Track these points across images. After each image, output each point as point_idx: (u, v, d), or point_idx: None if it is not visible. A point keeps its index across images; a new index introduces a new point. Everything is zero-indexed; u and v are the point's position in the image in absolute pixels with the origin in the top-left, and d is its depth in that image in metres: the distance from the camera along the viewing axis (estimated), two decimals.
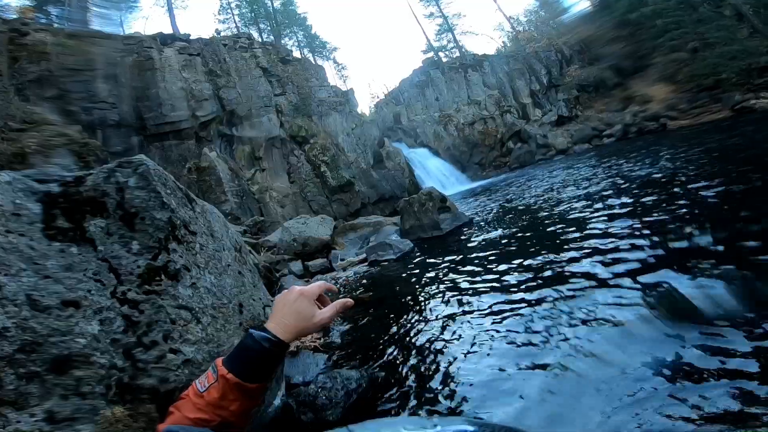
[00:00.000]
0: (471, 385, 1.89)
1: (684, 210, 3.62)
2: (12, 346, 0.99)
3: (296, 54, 28.55)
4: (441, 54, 37.99)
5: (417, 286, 4.01)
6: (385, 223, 9.72)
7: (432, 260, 4.98)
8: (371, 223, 9.94)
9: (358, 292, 4.59)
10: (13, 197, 1.14)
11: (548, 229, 4.53)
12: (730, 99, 16.38)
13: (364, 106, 47.42)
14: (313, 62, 28.51)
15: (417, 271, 4.76)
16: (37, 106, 12.79)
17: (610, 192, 5.62)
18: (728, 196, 3.82)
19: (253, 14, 31.70)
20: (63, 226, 1.19)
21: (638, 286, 2.36)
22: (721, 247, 2.55)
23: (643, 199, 4.48)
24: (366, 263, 6.33)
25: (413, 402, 1.92)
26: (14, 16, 15.54)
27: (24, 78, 13.43)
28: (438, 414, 1.75)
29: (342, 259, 7.36)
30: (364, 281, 5.11)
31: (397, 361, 2.38)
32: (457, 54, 36.81)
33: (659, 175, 5.82)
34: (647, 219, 3.65)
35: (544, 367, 1.85)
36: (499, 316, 2.55)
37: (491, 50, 40.60)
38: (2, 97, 11.58)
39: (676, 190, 4.57)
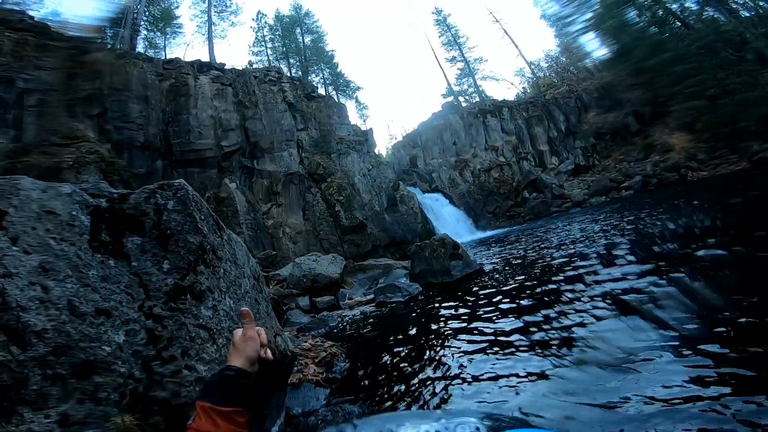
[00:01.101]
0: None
1: (695, 268, 3.58)
2: (46, 348, 1.06)
3: (321, 91, 29.65)
4: (461, 98, 38.76)
5: (422, 329, 3.99)
6: (395, 266, 9.74)
7: (439, 305, 4.96)
8: (381, 265, 9.97)
9: (363, 331, 4.57)
10: (71, 208, 1.25)
11: (558, 284, 4.50)
12: (748, 149, 16.16)
13: (381, 146, 48.12)
14: (336, 100, 29.56)
15: (423, 314, 4.74)
16: (81, 123, 13.35)
17: (623, 248, 5.57)
18: (738, 256, 3.78)
19: (285, 48, 33.13)
20: (105, 239, 1.30)
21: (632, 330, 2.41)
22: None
23: (654, 256, 4.44)
24: (373, 303, 6.32)
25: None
26: (77, 34, 16.33)
27: (76, 95, 14.07)
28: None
29: (350, 298, 7.36)
30: (371, 320, 5.10)
31: (400, 399, 2.37)
32: (477, 99, 37.45)
33: (672, 232, 5.79)
34: (654, 276, 3.61)
35: (541, 406, 1.86)
36: (502, 361, 2.56)
37: (511, 95, 41.13)
38: (53, 112, 12.15)
39: (687, 248, 4.52)
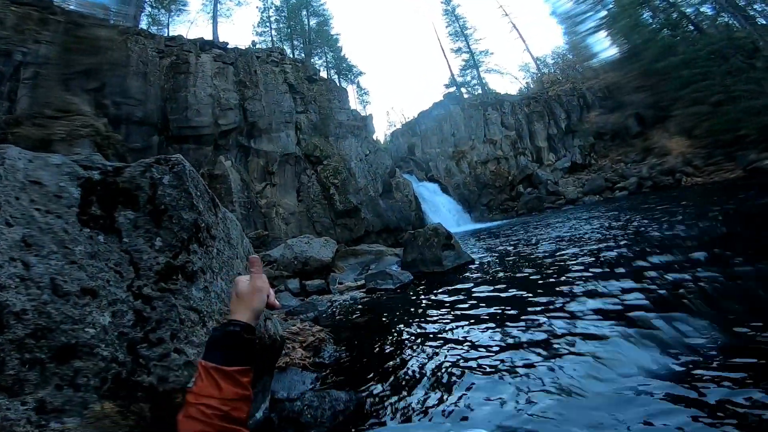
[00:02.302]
0: (456, 408, 1.87)
1: (677, 272, 3.59)
2: (25, 330, 0.99)
3: (323, 74, 29.26)
4: (463, 89, 38.40)
5: (411, 317, 3.98)
6: (387, 253, 9.72)
7: (430, 294, 4.95)
8: (373, 251, 9.94)
9: (353, 317, 4.56)
10: (58, 180, 1.17)
11: (547, 278, 4.50)
12: (744, 158, 16.15)
13: (380, 132, 47.88)
14: (337, 84, 29.19)
15: (413, 302, 4.73)
16: (76, 96, 13.18)
17: (611, 247, 5.58)
18: (720, 261, 3.79)
19: (289, 30, 32.64)
20: (96, 213, 1.21)
21: (624, 328, 2.43)
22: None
23: (640, 256, 4.44)
24: (364, 289, 6.30)
25: (400, 424, 1.89)
26: (78, 9, 16.05)
27: (73, 69, 13.82)
28: None
29: (340, 283, 7.33)
30: (360, 306, 5.08)
31: (387, 386, 2.35)
32: (480, 91, 37.17)
33: (659, 235, 5.79)
34: (641, 274, 3.63)
35: (530, 392, 1.87)
36: (491, 350, 2.56)
37: (514, 90, 40.91)
38: (47, 85, 12.03)
39: (672, 252, 4.53)
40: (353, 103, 31.55)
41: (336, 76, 34.56)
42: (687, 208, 8.70)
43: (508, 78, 61.59)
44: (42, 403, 1.01)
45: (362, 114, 27.67)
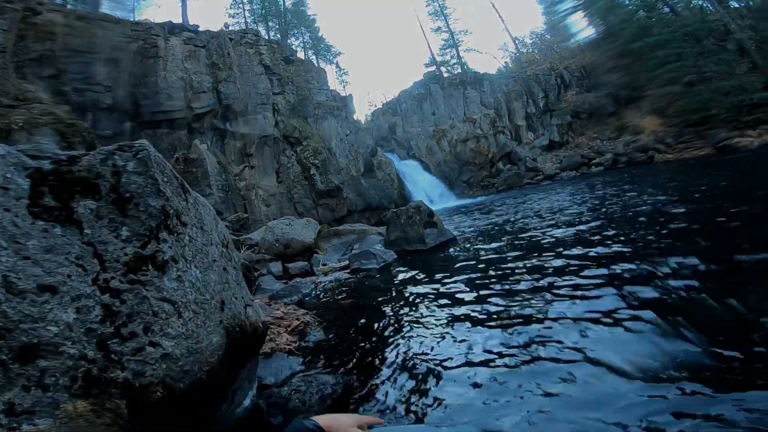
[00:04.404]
0: (447, 393, 1.88)
1: (653, 238, 3.68)
2: None
3: (300, 55, 28.70)
4: (443, 69, 38.60)
5: (397, 297, 3.98)
6: (370, 232, 9.68)
7: (414, 273, 4.96)
8: (356, 230, 9.89)
9: (338, 298, 4.54)
10: (4, 171, 1.07)
11: (530, 254, 4.54)
12: (714, 137, 16.91)
13: (361, 113, 47.61)
14: (315, 65, 28.61)
15: (398, 282, 4.74)
16: (32, 84, 12.70)
17: (589, 220, 5.68)
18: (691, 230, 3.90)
19: (263, 11, 31.77)
20: (49, 204, 1.13)
21: (612, 307, 2.42)
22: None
23: (618, 227, 4.54)
24: (348, 270, 6.27)
25: (389, 410, 1.89)
26: None
27: (26, 56, 13.42)
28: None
29: (324, 264, 7.28)
30: (345, 288, 5.06)
31: (374, 369, 2.35)
32: (459, 70, 37.41)
33: (636, 207, 5.93)
34: (619, 245, 3.70)
35: (521, 379, 1.85)
36: (477, 329, 2.56)
37: (493, 69, 41.25)
38: (1, 74, 11.54)
39: (647, 221, 4.64)
40: (332, 83, 31.14)
41: (314, 57, 33.93)
42: (660, 183, 8.96)
43: (487, 57, 61.82)
44: (11, 405, 0.95)
45: (342, 94, 27.26)
